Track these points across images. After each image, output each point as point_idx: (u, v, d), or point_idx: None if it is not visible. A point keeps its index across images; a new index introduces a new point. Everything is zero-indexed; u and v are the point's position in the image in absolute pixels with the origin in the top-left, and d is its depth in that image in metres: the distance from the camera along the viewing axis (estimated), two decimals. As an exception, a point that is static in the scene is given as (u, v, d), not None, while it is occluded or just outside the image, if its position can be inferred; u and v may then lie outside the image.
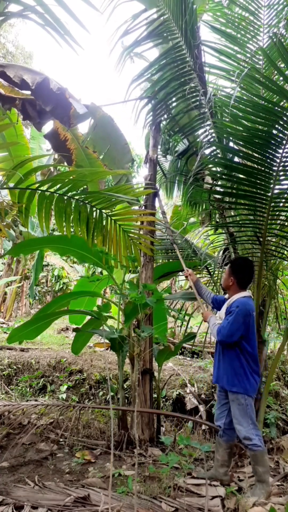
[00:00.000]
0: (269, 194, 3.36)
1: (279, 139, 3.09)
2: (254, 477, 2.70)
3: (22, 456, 3.28)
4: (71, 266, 14.48)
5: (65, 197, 3.16)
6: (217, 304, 3.21)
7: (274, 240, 3.90)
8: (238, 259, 3.21)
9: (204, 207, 4.81)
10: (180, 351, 6.64)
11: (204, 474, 2.94)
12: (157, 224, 4.75)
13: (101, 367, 5.39)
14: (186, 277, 3.50)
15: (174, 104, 4.19)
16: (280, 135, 3.07)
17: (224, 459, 2.93)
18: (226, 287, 3.04)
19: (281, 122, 2.99)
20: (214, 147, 3.89)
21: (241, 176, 3.47)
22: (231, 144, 3.78)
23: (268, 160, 3.22)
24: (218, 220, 4.41)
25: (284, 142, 3.06)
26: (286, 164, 3.22)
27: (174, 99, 4.05)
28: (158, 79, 3.96)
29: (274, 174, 3.25)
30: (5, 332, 7.70)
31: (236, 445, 3.35)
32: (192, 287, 3.40)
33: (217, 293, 4.37)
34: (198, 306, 6.01)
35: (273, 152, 3.17)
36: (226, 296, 3.10)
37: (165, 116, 4.32)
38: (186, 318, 4.67)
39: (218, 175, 3.88)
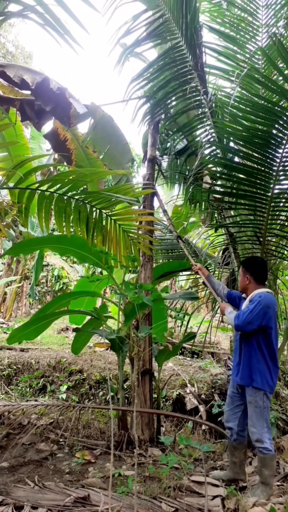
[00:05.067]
0: (269, 194, 3.36)
1: (279, 139, 3.09)
2: (258, 478, 2.68)
3: (22, 456, 3.27)
4: (71, 266, 14.47)
5: (65, 197, 3.16)
6: (232, 300, 3.11)
7: (274, 240, 3.90)
8: (249, 258, 3.14)
9: (204, 206, 4.81)
10: (180, 351, 6.64)
11: (219, 476, 2.91)
12: (157, 224, 4.75)
13: (101, 367, 5.39)
14: (196, 272, 3.34)
15: (173, 103, 4.19)
16: (280, 134, 3.08)
17: (241, 459, 2.89)
18: (244, 288, 2.95)
19: (281, 122, 2.99)
20: (214, 147, 3.89)
21: (241, 176, 3.48)
22: (231, 144, 3.78)
23: (268, 160, 3.22)
24: (218, 220, 4.41)
25: (284, 142, 3.06)
26: (286, 164, 3.22)
27: (173, 98, 4.05)
28: (157, 77, 3.96)
29: (274, 174, 3.25)
30: (5, 332, 7.70)
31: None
32: (205, 282, 3.27)
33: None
34: (198, 306, 6.01)
35: (273, 152, 3.17)
36: (244, 295, 3.01)
37: (164, 115, 4.32)
38: (186, 318, 4.67)
39: (218, 174, 3.88)
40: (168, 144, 4.75)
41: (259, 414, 2.67)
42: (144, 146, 4.74)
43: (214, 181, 4.15)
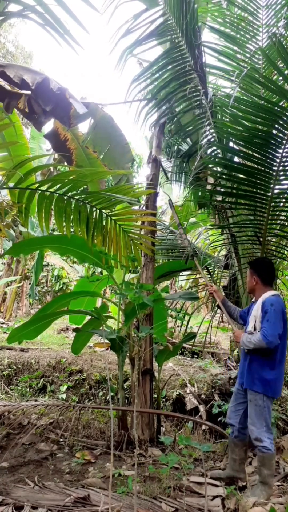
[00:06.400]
0: (269, 194, 3.36)
1: (279, 139, 3.09)
2: (258, 478, 2.69)
3: (22, 456, 3.28)
4: (71, 266, 14.47)
5: (65, 197, 3.16)
6: (245, 319, 3.05)
7: (274, 240, 3.90)
8: (256, 259, 3.13)
9: (211, 208, 4.80)
10: (180, 351, 6.64)
11: (219, 474, 2.92)
12: (157, 224, 4.75)
13: (101, 367, 5.39)
14: (211, 293, 3.30)
15: (175, 104, 4.18)
16: (280, 135, 3.08)
17: (242, 457, 2.90)
18: (252, 289, 2.95)
19: (281, 122, 2.99)
20: (214, 147, 3.89)
21: (241, 176, 3.47)
22: (231, 144, 3.78)
23: (268, 160, 3.22)
24: (220, 220, 4.41)
25: (284, 142, 3.06)
26: (286, 164, 3.22)
27: (175, 99, 4.04)
28: (158, 78, 3.96)
29: (274, 174, 3.25)
30: (5, 332, 7.70)
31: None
32: (220, 306, 3.23)
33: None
34: (198, 306, 6.01)
35: (273, 152, 3.17)
36: (253, 299, 3.00)
37: (167, 116, 4.31)
38: (186, 318, 4.67)
39: (218, 175, 3.88)
40: (175, 147, 4.75)
41: (259, 413, 2.68)
42: (151, 147, 4.74)
43: (216, 182, 4.14)
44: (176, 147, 4.73)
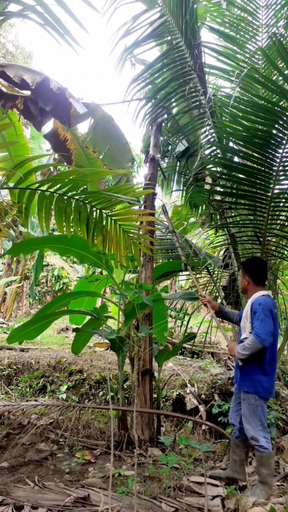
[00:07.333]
0: (269, 194, 3.36)
1: (279, 139, 3.09)
2: (257, 477, 2.69)
3: (22, 456, 3.28)
4: (71, 266, 14.48)
5: (65, 197, 3.16)
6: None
7: (274, 240, 3.90)
8: (248, 259, 3.14)
9: (204, 208, 4.81)
10: (180, 351, 6.64)
11: (219, 474, 2.93)
12: (157, 224, 4.75)
13: (101, 367, 5.39)
14: (205, 305, 3.20)
15: (174, 104, 4.18)
16: (280, 134, 3.08)
17: (242, 458, 2.91)
18: (244, 289, 2.96)
19: (281, 122, 3.00)
20: (214, 147, 3.89)
21: (241, 176, 3.48)
22: (231, 144, 3.78)
23: (268, 160, 3.22)
24: (218, 221, 4.41)
25: (284, 142, 3.06)
26: (286, 164, 3.22)
27: (174, 99, 4.05)
28: (157, 78, 3.96)
29: (274, 174, 3.25)
30: (5, 332, 7.70)
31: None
32: (214, 318, 3.20)
33: (217, 293, 4.37)
34: (198, 306, 6.01)
35: (273, 152, 3.17)
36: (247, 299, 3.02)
37: (166, 116, 4.32)
38: (186, 318, 4.67)
39: (218, 175, 3.88)
40: (170, 147, 4.74)
41: (252, 412, 2.69)
42: (145, 148, 4.73)
43: (215, 182, 4.14)
44: (170, 146, 4.73)
